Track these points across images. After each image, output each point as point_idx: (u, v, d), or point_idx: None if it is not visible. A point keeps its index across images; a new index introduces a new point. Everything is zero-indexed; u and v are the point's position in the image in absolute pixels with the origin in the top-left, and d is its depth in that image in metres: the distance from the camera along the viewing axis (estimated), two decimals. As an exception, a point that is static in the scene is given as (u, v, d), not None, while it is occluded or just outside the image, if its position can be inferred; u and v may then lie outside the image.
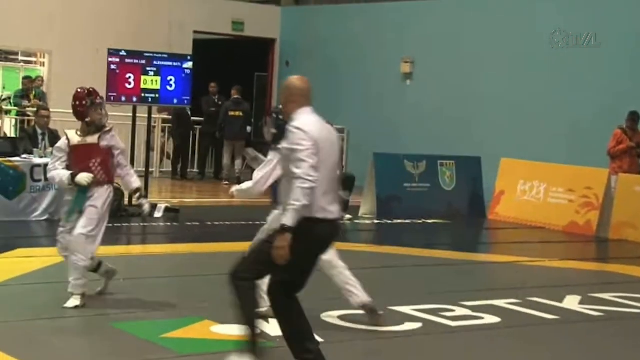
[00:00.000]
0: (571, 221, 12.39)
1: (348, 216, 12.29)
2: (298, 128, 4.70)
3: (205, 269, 8.31)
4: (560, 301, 7.50)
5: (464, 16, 16.03)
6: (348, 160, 15.00)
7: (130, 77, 11.39)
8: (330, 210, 4.74)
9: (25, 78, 16.29)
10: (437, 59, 16.27)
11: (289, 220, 4.56)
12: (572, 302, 7.50)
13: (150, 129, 12.47)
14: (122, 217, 11.17)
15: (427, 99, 16.38)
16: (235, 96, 16.51)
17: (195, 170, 17.21)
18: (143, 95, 11.52)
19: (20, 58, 18.64)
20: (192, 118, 16.76)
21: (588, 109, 14.00)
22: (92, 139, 6.64)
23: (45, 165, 10.61)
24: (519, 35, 14.93)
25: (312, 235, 4.69)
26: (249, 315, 4.81)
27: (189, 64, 11.84)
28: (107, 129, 6.73)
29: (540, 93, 14.67)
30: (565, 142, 14.09)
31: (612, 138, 12.49)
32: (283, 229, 4.56)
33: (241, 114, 16.30)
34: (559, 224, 12.51)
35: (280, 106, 5.28)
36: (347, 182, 12.40)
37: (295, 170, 4.58)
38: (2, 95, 15.95)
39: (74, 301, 6.40)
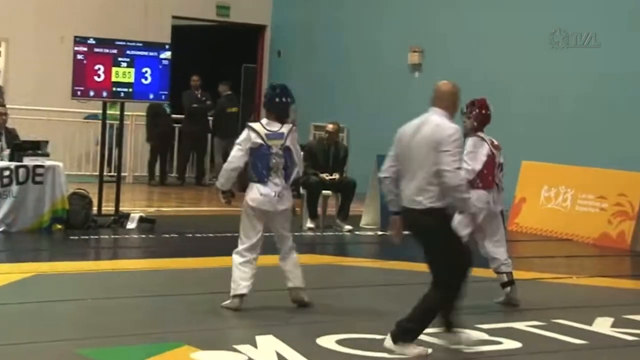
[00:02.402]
0: (602, 232, 12.39)
1: (348, 227, 12.30)
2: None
3: (185, 288, 8.30)
4: (590, 324, 7.48)
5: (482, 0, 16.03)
6: (348, 163, 14.98)
7: (99, 69, 11.38)
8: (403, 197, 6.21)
9: (-22, 70, 16.29)
10: (449, 48, 16.27)
11: None
12: (603, 325, 7.48)
13: (122, 128, 12.45)
14: (91, 228, 11.18)
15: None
16: (228, 92, 17.21)
17: (174, 175, 17.20)
18: (114, 89, 11.51)
19: (-27, 47, 18.64)
20: (171, 115, 16.76)
21: (618, 105, 13.98)
22: None
23: (2, 169, 10.63)
24: (542, 28, 14.87)
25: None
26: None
27: (167, 54, 11.83)
28: None
29: (563, 88, 14.63)
30: (595, 143, 14.04)
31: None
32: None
33: (236, 110, 17.22)
34: (589, 235, 12.51)
35: None
36: (349, 188, 12.44)
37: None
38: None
39: None
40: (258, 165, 7.29)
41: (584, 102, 14.45)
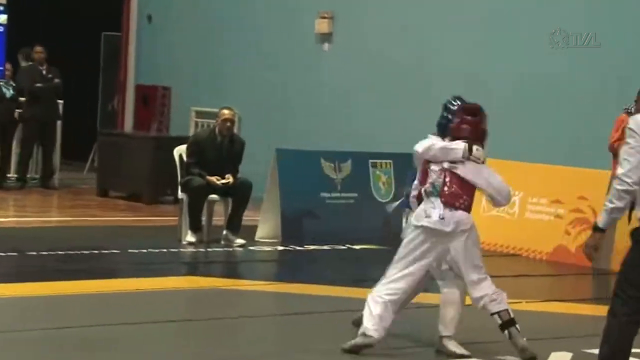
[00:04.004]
0: (558, 245, 12.55)
1: (240, 241, 12.26)
2: (630, 123, 6.10)
3: (25, 322, 8.15)
4: (544, 360, 7.59)
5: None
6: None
7: None
8: None
9: None
10: (368, 14, 16.35)
11: (600, 220, 6.07)
12: (560, 361, 7.58)
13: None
14: None
15: (354, 71, 16.44)
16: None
17: (13, 175, 16.92)
18: None
19: None
20: (19, 99, 16.54)
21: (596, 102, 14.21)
22: None
23: None
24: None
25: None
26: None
27: (2, 18, 11.67)
28: None
29: (516, 67, 14.80)
30: (551, 136, 14.23)
31: (614, 127, 12.61)
32: (594, 228, 6.10)
33: None
34: (542, 249, 12.67)
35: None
36: (242, 192, 12.37)
37: (618, 170, 6.06)
38: None
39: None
40: None
41: (543, 99, 14.59)
